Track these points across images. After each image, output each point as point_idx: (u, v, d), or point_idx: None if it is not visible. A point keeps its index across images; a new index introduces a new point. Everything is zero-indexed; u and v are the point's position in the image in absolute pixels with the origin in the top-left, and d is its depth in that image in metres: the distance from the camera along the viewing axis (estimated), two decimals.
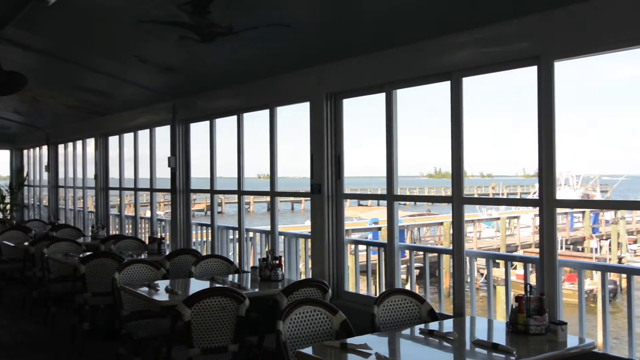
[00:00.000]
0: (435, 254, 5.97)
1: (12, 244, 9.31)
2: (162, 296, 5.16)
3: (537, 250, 4.96)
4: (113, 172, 11.10)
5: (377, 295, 4.83)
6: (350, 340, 3.69)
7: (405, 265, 8.14)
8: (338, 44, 5.44)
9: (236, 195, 7.64)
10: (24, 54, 7.07)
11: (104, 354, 6.50)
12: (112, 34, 6.32)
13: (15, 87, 6.73)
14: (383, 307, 4.41)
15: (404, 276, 6.96)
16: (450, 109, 4.80)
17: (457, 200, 4.80)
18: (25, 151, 16.52)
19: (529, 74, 4.23)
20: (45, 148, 14.26)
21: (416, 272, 9.98)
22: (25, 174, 16.39)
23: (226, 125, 7.77)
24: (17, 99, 10.66)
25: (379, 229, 23.73)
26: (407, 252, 5.98)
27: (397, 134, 5.38)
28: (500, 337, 3.88)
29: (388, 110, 5.37)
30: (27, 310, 8.49)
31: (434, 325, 4.13)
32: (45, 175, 14.42)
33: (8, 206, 15.73)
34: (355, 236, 18.79)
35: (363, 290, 6.15)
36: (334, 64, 5.76)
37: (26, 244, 8.86)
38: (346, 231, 6.17)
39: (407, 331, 4.25)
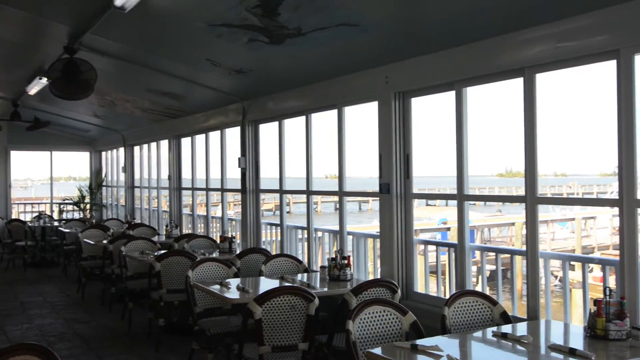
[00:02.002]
0: (507, 255, 5.82)
1: (92, 242, 9.71)
2: (233, 294, 5.26)
3: (616, 252, 4.76)
4: (186, 173, 11.42)
5: (448, 296, 4.76)
6: (420, 342, 3.65)
7: (475, 267, 7.98)
8: (406, 42, 5.39)
9: (303, 195, 7.71)
10: (102, 59, 7.37)
11: (178, 349, 6.69)
12: (184, 38, 6.49)
13: (87, 82, 6.93)
14: (454, 308, 4.33)
15: (474, 278, 6.82)
16: (522, 106, 4.68)
17: (531, 200, 4.67)
18: (103, 153, 17.23)
19: (607, 69, 4.07)
20: (122, 150, 14.83)
21: (486, 273, 9.76)
22: (103, 175, 17.11)
23: (295, 125, 7.86)
24: (96, 103, 11.14)
25: (448, 229, 23.37)
26: (477, 252, 5.86)
27: (467, 132, 5.29)
28: (577, 342, 3.74)
29: (458, 108, 5.28)
30: (106, 306, 8.85)
31: (507, 328, 4.03)
32: (122, 176, 14.99)
33: (88, 206, 16.47)
34: (424, 236, 18.58)
35: (433, 291, 6.07)
36: (402, 63, 5.72)
37: (105, 242, 9.23)
38: (415, 231, 6.10)
39: (478, 333, 4.17)
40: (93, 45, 7.14)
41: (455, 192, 5.39)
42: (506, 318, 4.35)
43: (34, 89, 10.05)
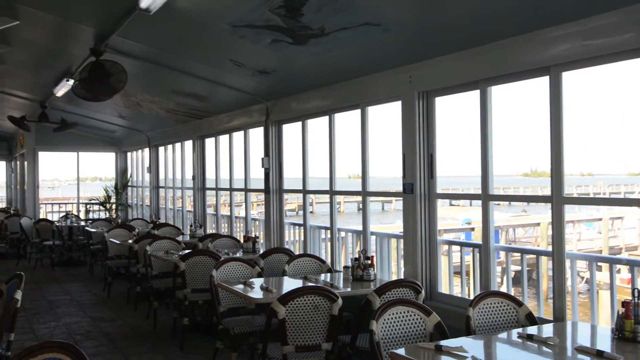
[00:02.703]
0: (532, 256, 5.76)
1: (118, 242, 9.82)
2: (257, 294, 5.28)
3: None
4: (209, 173, 11.49)
5: (472, 297, 4.72)
6: (444, 343, 3.63)
7: (499, 267, 7.91)
8: (430, 41, 5.36)
9: (326, 195, 7.72)
10: (127, 61, 7.46)
11: (203, 348, 6.74)
12: (208, 39, 6.54)
13: (117, 81, 7.01)
14: (479, 309, 4.30)
15: (498, 279, 6.75)
16: (548, 105, 4.63)
17: (557, 200, 4.61)
18: (129, 154, 17.43)
19: (636, 67, 4.00)
20: (146, 150, 14.98)
21: (511, 274, 9.67)
22: (129, 175, 17.30)
23: (318, 125, 7.86)
24: (122, 104, 11.27)
25: (472, 229, 23.16)
26: (501, 253, 5.80)
27: (492, 131, 5.24)
28: (605, 344, 3.69)
29: (483, 107, 5.24)
30: (132, 305, 8.95)
31: (532, 330, 3.99)
32: (147, 176, 15.15)
33: (114, 206, 16.68)
34: (447, 237, 18.45)
35: (457, 292, 6.03)
36: (426, 62, 5.69)
37: (130, 241, 9.33)
38: (438, 231, 6.07)
39: (504, 335, 4.13)
40: (119, 47, 7.24)
41: (479, 192, 5.34)
42: (532, 319, 4.31)
43: (61, 90, 10.21)
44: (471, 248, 6.40)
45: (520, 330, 3.99)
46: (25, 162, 17.12)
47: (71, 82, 8.71)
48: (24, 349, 2.93)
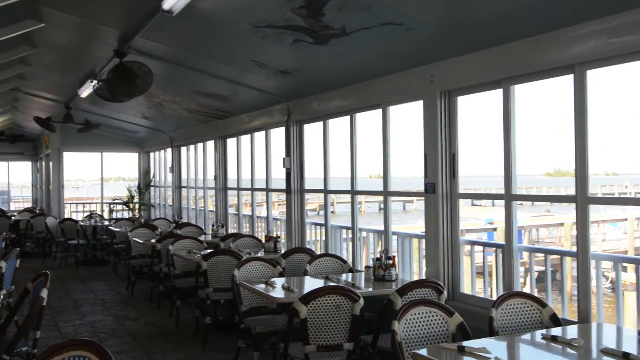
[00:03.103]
0: (556, 256, 5.69)
1: (141, 241, 9.92)
2: (278, 293, 5.30)
3: None
4: (231, 173, 11.55)
5: (495, 297, 4.69)
6: (467, 343, 3.60)
7: (522, 268, 7.83)
8: (452, 40, 5.33)
9: (346, 195, 7.71)
10: (150, 62, 7.53)
11: (225, 347, 6.78)
12: (230, 40, 6.58)
13: (142, 81, 7.08)
14: (502, 310, 4.26)
15: (521, 279, 6.68)
16: (573, 104, 4.57)
17: (582, 200, 4.55)
18: (151, 154, 17.60)
19: None
20: (169, 150, 15.11)
21: (535, 274, 9.57)
22: (151, 175, 17.47)
23: (340, 125, 7.86)
24: (145, 105, 11.39)
25: (494, 229, 22.96)
26: (524, 253, 5.74)
27: (515, 131, 5.19)
28: (631, 346, 3.64)
29: (505, 106, 5.19)
30: (155, 303, 9.04)
31: (556, 331, 3.95)
32: (169, 176, 15.28)
33: (137, 205, 16.85)
34: (469, 237, 18.33)
35: (479, 292, 5.98)
36: (447, 61, 5.66)
37: (153, 241, 9.42)
38: (460, 231, 6.04)
39: (527, 336, 4.09)
40: (142, 48, 7.31)
41: (502, 191, 5.30)
42: (556, 320, 4.26)
43: (85, 91, 10.34)
44: (494, 248, 6.35)
45: (544, 331, 3.95)
46: (51, 163, 17.38)
47: (94, 83, 8.81)
48: (50, 347, 2.98)
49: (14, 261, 7.03)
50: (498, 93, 5.26)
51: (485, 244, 6.59)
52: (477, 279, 6.95)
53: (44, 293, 4.99)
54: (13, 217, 15.86)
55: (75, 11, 6.96)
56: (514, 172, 5.20)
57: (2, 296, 5.44)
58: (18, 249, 7.53)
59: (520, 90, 5.20)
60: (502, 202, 5.32)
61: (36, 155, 21.50)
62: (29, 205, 21.93)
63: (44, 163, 19.65)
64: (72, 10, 6.93)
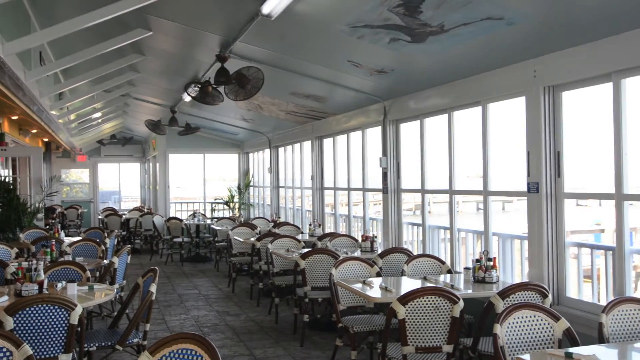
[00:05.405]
0: None
1: (241, 240, 10.22)
2: (376, 293, 5.29)
3: None
4: (328, 173, 11.66)
5: (603, 303, 4.45)
6: (575, 350, 3.44)
7: (634, 272, 7.36)
8: (557, 33, 5.10)
9: (442, 195, 7.57)
10: (249, 65, 7.75)
11: (322, 345, 6.85)
12: (326, 41, 6.64)
13: (253, 84, 7.31)
14: (612, 316, 4.04)
15: (633, 284, 6.30)
16: None
17: None
18: (250, 154, 18.10)
19: None
20: (267, 151, 15.47)
21: None
22: (250, 176, 17.97)
23: (435, 124, 7.74)
24: (244, 107, 11.73)
25: (602, 230, 21.74)
26: (636, 257, 5.41)
27: (626, 126, 4.90)
28: None
29: (616, 100, 4.91)
30: (255, 300, 9.29)
31: None
32: (267, 176, 15.64)
33: (237, 205, 17.39)
34: (574, 238, 17.49)
35: (587, 297, 5.70)
36: (552, 55, 5.42)
37: (252, 239, 9.67)
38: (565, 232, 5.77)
39: None
40: (242, 52, 7.53)
41: (612, 191, 5.01)
42: None
43: (188, 96, 10.77)
44: (602, 251, 6.03)
45: None
46: (157, 164, 18.28)
47: (197, 87, 9.17)
48: (160, 340, 3.14)
49: (126, 257, 7.46)
50: (607, 87, 4.99)
51: (593, 246, 6.26)
52: (584, 283, 6.63)
53: (153, 288, 5.26)
54: (124, 216, 16.83)
55: (180, 19, 7.29)
56: (626, 170, 4.91)
57: (115, 290, 5.79)
58: (129, 245, 7.99)
59: (632, 84, 4.90)
60: (611, 202, 5.04)
61: (144, 157, 22.70)
62: (137, 204, 23.17)
63: (150, 165, 20.71)
64: (177, 18, 7.26)
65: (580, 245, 5.92)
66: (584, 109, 6.13)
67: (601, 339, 3.92)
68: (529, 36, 5.26)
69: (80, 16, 6.51)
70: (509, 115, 6.58)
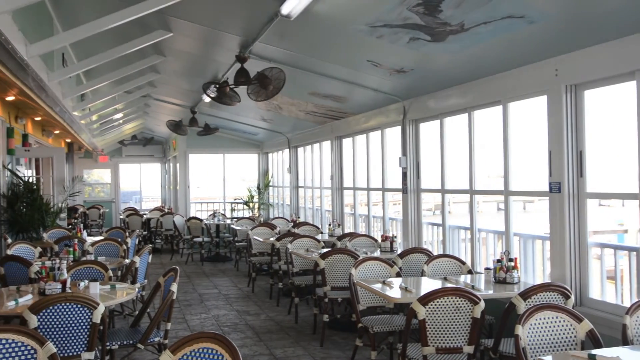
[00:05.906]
0: None
1: (261, 239, 10.25)
2: (396, 293, 5.27)
3: None
4: (347, 173, 11.65)
5: (627, 304, 4.39)
6: (598, 352, 3.40)
7: None
8: (579, 31, 5.04)
9: (462, 195, 7.53)
10: (268, 66, 7.77)
11: (342, 344, 6.85)
12: (345, 41, 6.64)
13: (274, 85, 7.34)
14: (636, 317, 3.98)
15: None
16: None
17: None
18: (269, 155, 18.14)
19: None
20: (286, 151, 15.50)
21: None
22: (270, 176, 18.01)
23: (455, 123, 7.70)
24: (264, 108, 11.76)
25: (625, 231, 21.44)
26: None
27: None
28: None
29: None
30: (274, 300, 9.32)
31: None
32: (287, 176, 15.68)
33: (256, 205, 17.45)
34: (597, 239, 17.27)
35: (610, 298, 5.63)
36: (574, 54, 5.36)
37: (272, 239, 9.70)
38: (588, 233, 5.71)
39: None
40: (261, 53, 7.56)
41: (636, 191, 4.94)
42: None
43: (208, 97, 10.83)
44: (625, 251, 5.95)
45: None
46: (178, 164, 18.41)
47: (215, 88, 9.22)
48: (181, 339, 3.16)
49: (147, 257, 7.53)
50: (631, 86, 4.92)
51: (616, 247, 6.18)
52: (607, 284, 6.56)
53: (174, 287, 5.30)
54: (145, 216, 16.98)
55: (200, 20, 7.33)
56: None
57: (137, 289, 5.84)
58: (150, 245, 8.05)
59: None
60: (634, 202, 4.96)
61: (164, 157, 22.87)
62: (157, 204, 23.36)
63: (171, 165, 20.85)
64: (197, 19, 7.30)
65: (603, 245, 5.85)
66: (607, 107, 6.06)
67: (625, 341, 3.86)
68: (550, 35, 5.21)
69: (102, 18, 6.59)
70: (530, 114, 6.52)
